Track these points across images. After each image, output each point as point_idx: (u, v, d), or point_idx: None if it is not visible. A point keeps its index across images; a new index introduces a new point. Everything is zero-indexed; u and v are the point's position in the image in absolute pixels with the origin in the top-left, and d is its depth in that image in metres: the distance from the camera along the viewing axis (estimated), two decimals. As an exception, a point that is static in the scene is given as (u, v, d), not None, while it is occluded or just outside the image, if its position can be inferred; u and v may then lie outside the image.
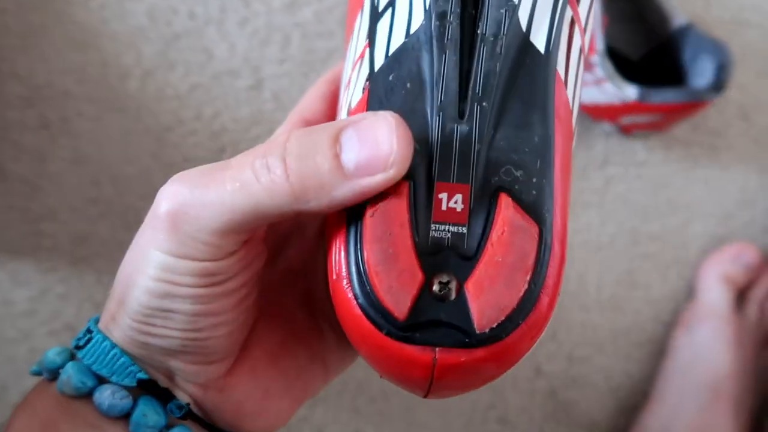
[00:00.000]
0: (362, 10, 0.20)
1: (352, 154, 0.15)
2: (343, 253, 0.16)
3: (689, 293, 0.46)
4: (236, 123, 0.43)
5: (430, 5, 0.17)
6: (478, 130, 0.17)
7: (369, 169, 0.15)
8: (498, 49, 0.17)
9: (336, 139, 0.16)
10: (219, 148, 0.43)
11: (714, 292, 0.44)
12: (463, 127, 0.17)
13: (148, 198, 0.47)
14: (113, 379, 0.18)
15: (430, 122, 0.17)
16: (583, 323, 0.45)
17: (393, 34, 0.18)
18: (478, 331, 0.15)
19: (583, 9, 0.19)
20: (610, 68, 0.38)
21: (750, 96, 0.49)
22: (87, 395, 0.18)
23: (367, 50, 0.19)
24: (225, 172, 0.16)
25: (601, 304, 0.46)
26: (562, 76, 0.18)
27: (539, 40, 0.17)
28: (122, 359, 0.18)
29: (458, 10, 0.17)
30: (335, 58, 0.45)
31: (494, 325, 0.15)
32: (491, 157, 0.17)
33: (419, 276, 0.16)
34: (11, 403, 0.40)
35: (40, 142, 0.42)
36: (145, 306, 0.17)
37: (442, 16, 0.17)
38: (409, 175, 0.16)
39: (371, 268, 0.16)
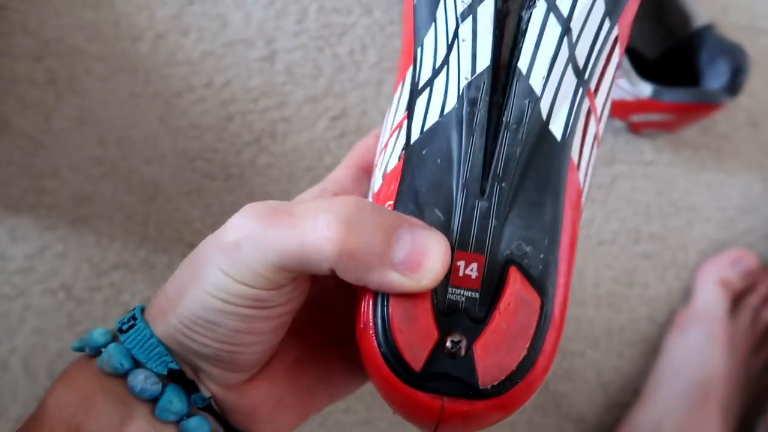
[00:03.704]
0: (404, 83, 0.22)
1: (402, 252, 0.17)
2: (371, 308, 0.19)
3: (685, 295, 0.46)
4: (246, 93, 0.43)
5: (463, 91, 0.20)
6: (495, 207, 0.19)
7: (408, 271, 0.18)
8: (519, 136, 0.19)
9: (395, 230, 0.18)
10: (227, 117, 0.43)
11: (710, 295, 0.44)
12: (483, 204, 0.19)
13: (153, 162, 0.46)
14: (148, 365, 0.20)
15: (454, 196, 0.19)
16: (579, 318, 0.45)
17: (429, 111, 0.21)
18: (481, 387, 0.18)
19: (599, 100, 0.21)
20: (626, 64, 0.38)
21: (759, 103, 0.49)
22: (122, 376, 0.20)
23: (405, 122, 0.21)
24: (289, 218, 0.18)
25: (597, 299, 0.46)
26: (576, 162, 0.20)
27: (557, 128, 0.20)
28: (158, 348, 0.20)
29: (487, 98, 0.20)
30: (350, 35, 0.44)
31: (495, 383, 0.18)
32: (505, 232, 0.19)
33: (435, 335, 0.18)
34: (3, 358, 0.40)
35: (46, 98, 0.41)
36: (195, 315, 0.19)
37: (472, 103, 0.20)
38: None
39: (395, 326, 0.18)
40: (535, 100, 0.20)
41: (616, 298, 0.46)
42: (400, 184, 0.20)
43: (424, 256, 0.17)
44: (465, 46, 0.20)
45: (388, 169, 0.21)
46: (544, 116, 0.20)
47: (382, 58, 0.44)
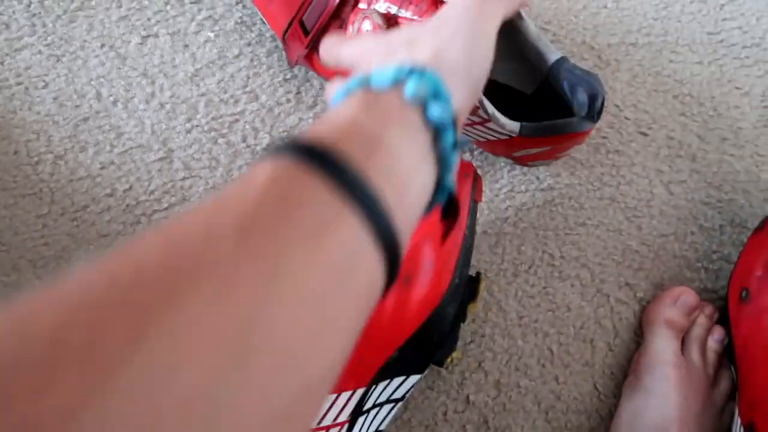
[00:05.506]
0: (354, 393, 0.34)
1: None
2: None
3: (605, 309, 0.48)
4: (149, 195, 0.45)
5: None
6: None
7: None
8: None
9: None
10: (134, 221, 0.44)
11: (658, 339, 0.44)
12: None
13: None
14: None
15: None
16: (508, 350, 0.46)
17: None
18: None
19: None
20: (490, 108, 0.40)
21: (644, 113, 0.52)
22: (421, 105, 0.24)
23: (346, 426, 0.34)
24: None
25: (523, 329, 0.47)
26: None
27: None
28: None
29: None
30: (241, 122, 0.47)
31: None
32: None
33: None
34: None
35: (-43, 235, 0.43)
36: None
37: None
38: None
39: None
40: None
41: (540, 324, 0.47)
42: None
43: None
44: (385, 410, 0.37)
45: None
46: None
47: (274, 139, 0.47)
